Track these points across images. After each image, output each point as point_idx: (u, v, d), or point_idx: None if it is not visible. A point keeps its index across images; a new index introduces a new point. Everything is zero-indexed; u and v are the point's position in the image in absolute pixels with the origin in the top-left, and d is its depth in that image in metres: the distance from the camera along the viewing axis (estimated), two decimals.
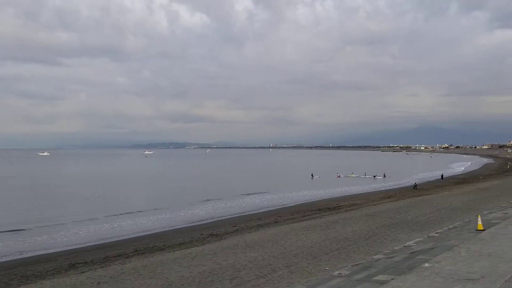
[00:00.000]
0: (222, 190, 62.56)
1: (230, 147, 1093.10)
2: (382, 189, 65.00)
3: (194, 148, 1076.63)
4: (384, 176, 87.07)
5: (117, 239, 30.24)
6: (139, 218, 39.22)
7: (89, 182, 77.80)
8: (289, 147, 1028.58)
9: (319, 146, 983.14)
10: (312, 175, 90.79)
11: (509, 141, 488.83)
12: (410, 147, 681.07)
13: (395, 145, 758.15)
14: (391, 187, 67.18)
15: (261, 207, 46.16)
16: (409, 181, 77.15)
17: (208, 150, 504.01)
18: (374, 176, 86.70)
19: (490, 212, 25.04)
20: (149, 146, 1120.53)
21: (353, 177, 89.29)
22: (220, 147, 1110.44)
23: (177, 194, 57.35)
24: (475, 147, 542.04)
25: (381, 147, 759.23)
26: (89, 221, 37.25)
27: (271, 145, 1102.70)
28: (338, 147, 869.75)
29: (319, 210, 40.00)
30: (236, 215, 40.21)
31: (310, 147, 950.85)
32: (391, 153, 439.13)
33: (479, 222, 18.64)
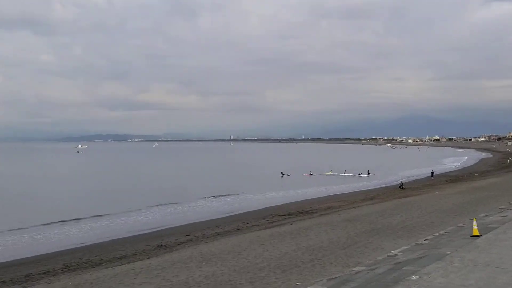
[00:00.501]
0: (172, 192, 62.21)
1: (182, 140, 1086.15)
2: (364, 189, 66.21)
3: (139, 141, 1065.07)
4: (369, 173, 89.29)
5: (43, 252, 29.62)
6: (70, 227, 38.49)
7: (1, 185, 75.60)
8: (254, 139, 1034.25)
9: (289, 139, 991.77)
10: (281, 173, 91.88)
11: (510, 132, 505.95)
12: (396, 139, 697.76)
13: (378, 137, 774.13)
14: (373, 187, 68.58)
15: (220, 212, 46.24)
16: (394, 179, 78.96)
17: (155, 144, 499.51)
18: (360, 174, 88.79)
19: (487, 215, 25.92)
20: (82, 139, 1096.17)
21: (331, 175, 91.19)
22: (170, 140, 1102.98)
23: (117, 198, 56.65)
24: (470, 140, 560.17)
25: (362, 139, 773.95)
26: (8, 232, 36.22)
27: (232, 138, 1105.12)
28: (312, 140, 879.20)
29: (290, 214, 40.39)
30: (189, 222, 40.10)
31: (279, 140, 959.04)
32: (373, 146, 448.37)
33: (475, 227, 19.23)
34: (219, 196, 57.78)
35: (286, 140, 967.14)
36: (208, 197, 56.79)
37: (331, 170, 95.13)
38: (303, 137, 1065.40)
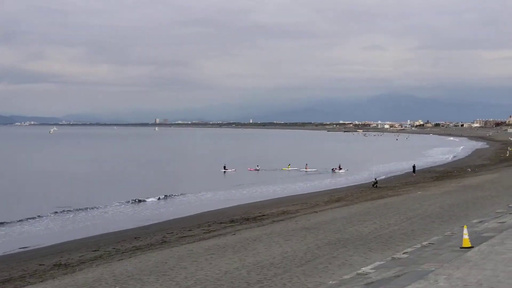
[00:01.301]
0: (75, 195, 61.37)
1: (91, 124, 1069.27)
2: (328, 188, 67.20)
3: (30, 124, 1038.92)
4: (340, 168, 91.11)
5: None
6: None
7: None
8: (187, 124, 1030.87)
9: (233, 123, 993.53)
10: (224, 168, 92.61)
11: (510, 117, 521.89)
12: (369, 124, 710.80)
13: (347, 122, 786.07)
14: (340, 186, 69.83)
15: (139, 219, 45.91)
16: (366, 176, 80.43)
17: (53, 129, 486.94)
18: (334, 170, 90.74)
19: (481, 221, 26.69)
20: None
21: (289, 170, 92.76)
22: (74, 124, 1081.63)
23: None
24: (462, 125, 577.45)
25: (327, 124, 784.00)
26: None
27: (158, 121, 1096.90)
28: (264, 125, 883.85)
29: (232, 222, 40.52)
30: (98, 234, 39.72)
31: (220, 124, 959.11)
32: (341, 133, 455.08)
33: (465, 236, 19.69)
34: (137, 199, 57.20)
35: (229, 124, 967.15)
36: (123, 201, 56.07)
37: (290, 165, 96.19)
38: (251, 121, 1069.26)
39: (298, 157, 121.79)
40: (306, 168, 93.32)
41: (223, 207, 52.05)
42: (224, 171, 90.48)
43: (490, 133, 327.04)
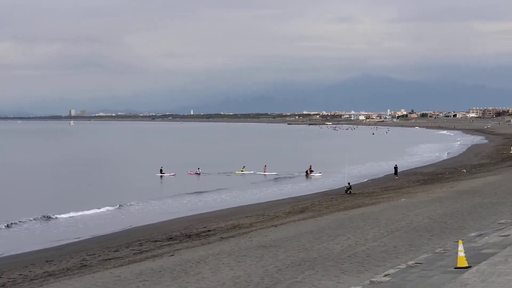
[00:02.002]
0: None
1: None
2: (290, 195, 67.50)
3: None
4: (311, 171, 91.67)
5: None
6: None
7: None
8: (112, 116, 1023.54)
9: (170, 115, 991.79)
10: (160, 171, 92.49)
11: None
12: (340, 115, 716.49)
13: (313, 113, 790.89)
14: (305, 193, 70.28)
15: (52, 239, 45.44)
16: (337, 180, 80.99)
17: None
18: (307, 173, 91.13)
19: (480, 235, 27.00)
20: None
21: (243, 174, 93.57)
22: None
23: None
24: (455, 115, 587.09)
25: (287, 115, 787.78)
26: None
27: (73, 113, 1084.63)
28: (208, 117, 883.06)
29: (170, 239, 40.48)
30: (0, 257, 39.27)
31: (153, 117, 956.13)
32: (305, 126, 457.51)
33: (461, 254, 19.82)
34: (47, 215, 56.23)
35: (164, 116, 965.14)
36: (30, 217, 55.03)
37: (244, 167, 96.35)
38: (192, 112, 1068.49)
39: (254, 157, 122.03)
40: (264, 171, 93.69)
41: (158, 221, 51.84)
42: (161, 176, 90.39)
43: (489, 125, 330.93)
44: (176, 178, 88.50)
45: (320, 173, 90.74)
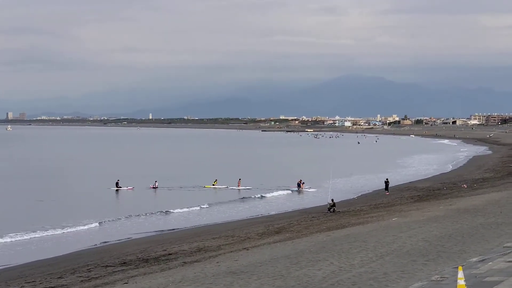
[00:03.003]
0: None
1: None
2: (264, 213, 67.72)
3: None
4: (300, 185, 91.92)
5: None
6: None
7: None
8: (56, 120, 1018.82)
9: (125, 120, 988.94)
10: (116, 185, 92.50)
11: None
12: (323, 121, 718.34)
13: (291, 118, 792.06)
14: (281, 210, 70.45)
15: None
16: (319, 195, 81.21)
17: None
18: (299, 187, 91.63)
19: (483, 260, 27.04)
20: None
21: (215, 188, 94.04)
22: None
23: None
24: (454, 122, 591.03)
25: (261, 121, 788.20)
26: None
27: (11, 116, 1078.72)
28: (170, 122, 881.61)
29: (124, 264, 40.39)
30: None
31: (105, 121, 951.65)
32: (282, 133, 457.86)
33: (461, 282, 19.87)
34: None
35: (118, 121, 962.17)
36: None
37: (216, 181, 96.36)
38: (151, 116, 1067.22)
39: (224, 169, 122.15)
40: (238, 185, 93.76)
41: (111, 242, 51.74)
42: (117, 190, 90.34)
43: (491, 134, 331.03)
44: (133, 193, 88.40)
45: (309, 187, 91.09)
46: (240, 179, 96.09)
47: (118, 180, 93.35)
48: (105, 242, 52.10)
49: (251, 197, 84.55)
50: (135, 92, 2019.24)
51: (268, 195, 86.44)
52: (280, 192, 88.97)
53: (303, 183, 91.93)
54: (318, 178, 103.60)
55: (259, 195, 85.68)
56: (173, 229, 57.92)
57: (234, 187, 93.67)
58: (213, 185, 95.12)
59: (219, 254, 39.64)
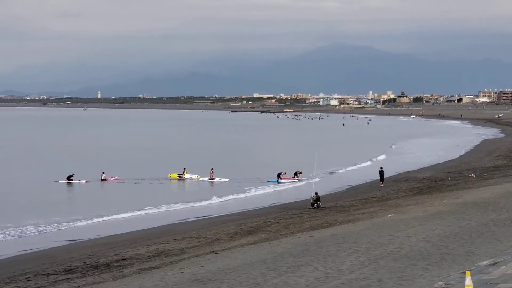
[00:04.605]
0: None
1: None
2: (236, 210, 67.87)
3: None
4: (280, 176, 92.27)
5: None
6: None
7: None
8: None
9: (68, 99, 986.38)
10: (68, 178, 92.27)
11: None
12: (305, 99, 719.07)
13: (266, 96, 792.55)
14: (256, 206, 70.67)
15: None
16: (300, 189, 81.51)
17: None
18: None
19: (494, 263, 27.25)
20: None
21: (184, 178, 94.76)
22: None
23: None
24: (460, 100, 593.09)
25: (231, 99, 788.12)
26: None
27: None
28: (122, 101, 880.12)
29: (69, 271, 40.25)
30: None
31: (44, 101, 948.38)
32: (256, 114, 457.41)
33: None
34: None
35: (60, 100, 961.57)
36: None
37: (185, 170, 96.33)
38: (99, 95, 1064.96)
39: (196, 156, 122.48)
40: (211, 176, 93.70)
41: (53, 246, 51.63)
42: (68, 182, 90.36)
43: (501, 114, 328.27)
44: (88, 186, 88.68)
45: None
46: (212, 169, 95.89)
47: (73, 174, 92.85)
48: (47, 245, 51.88)
49: (221, 190, 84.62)
50: (80, 66, 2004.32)
51: (241, 188, 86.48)
52: (256, 185, 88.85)
53: (285, 173, 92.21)
54: (299, 168, 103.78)
55: (232, 188, 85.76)
56: (127, 230, 57.84)
57: (204, 178, 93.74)
58: (181, 175, 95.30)
59: (182, 259, 39.65)
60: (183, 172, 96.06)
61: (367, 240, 37.14)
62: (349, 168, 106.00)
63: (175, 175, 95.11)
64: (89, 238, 54.53)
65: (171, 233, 53.43)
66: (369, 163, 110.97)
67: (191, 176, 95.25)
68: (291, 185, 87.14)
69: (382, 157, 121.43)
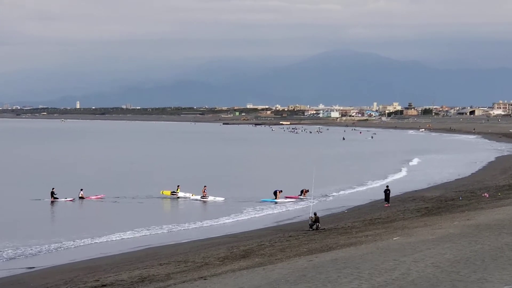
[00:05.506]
0: None
1: None
2: (227, 231, 68.08)
3: None
4: (277, 195, 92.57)
5: None
6: None
7: None
8: None
9: (44, 109, 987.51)
10: (52, 195, 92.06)
11: None
12: (304, 111, 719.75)
13: (261, 107, 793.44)
14: (249, 228, 70.71)
15: None
16: (298, 207, 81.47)
17: None
18: (276, 195, 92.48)
19: None
20: None
21: (177, 196, 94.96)
22: None
23: None
24: (472, 112, 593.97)
25: (222, 110, 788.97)
26: None
27: None
28: (103, 112, 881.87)
29: None
30: None
31: (18, 112, 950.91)
32: (250, 127, 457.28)
33: None
34: None
35: (35, 111, 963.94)
36: None
37: (179, 187, 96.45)
38: (78, 105, 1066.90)
39: (187, 172, 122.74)
40: (203, 194, 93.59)
41: (25, 271, 51.57)
42: (52, 201, 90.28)
43: None
44: (74, 204, 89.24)
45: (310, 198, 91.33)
46: (205, 186, 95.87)
47: (54, 189, 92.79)
48: (18, 271, 51.77)
49: (214, 209, 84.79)
50: (57, 74, 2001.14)
51: (235, 207, 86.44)
52: (249, 204, 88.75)
53: (281, 191, 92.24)
54: (296, 184, 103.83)
55: (224, 208, 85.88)
56: (108, 253, 57.80)
57: (196, 197, 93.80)
58: (174, 193, 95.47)
59: (168, 286, 39.68)
60: (177, 190, 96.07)
61: (370, 266, 37.16)
62: (351, 185, 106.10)
63: (168, 192, 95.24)
64: (66, 262, 54.37)
65: (156, 257, 53.39)
66: (373, 180, 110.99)
67: (185, 195, 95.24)
68: (288, 205, 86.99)
69: (386, 174, 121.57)
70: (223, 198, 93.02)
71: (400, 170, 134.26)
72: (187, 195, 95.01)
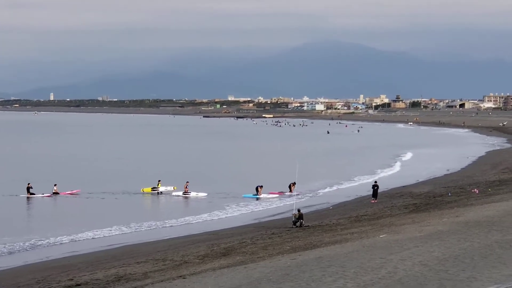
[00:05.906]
0: None
1: None
2: (208, 228, 68.14)
3: None
4: (258, 190, 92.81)
5: None
6: None
7: None
8: None
9: (16, 101, 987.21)
10: (28, 191, 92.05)
11: None
12: (287, 103, 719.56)
13: (243, 99, 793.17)
14: (230, 224, 71.03)
15: None
16: (281, 203, 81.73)
17: None
18: (258, 191, 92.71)
19: None
20: None
21: (157, 192, 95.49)
22: None
23: None
24: (462, 105, 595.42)
25: (202, 103, 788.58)
26: None
27: None
28: (78, 104, 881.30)
29: None
30: None
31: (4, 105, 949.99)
32: (232, 120, 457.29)
33: None
34: None
35: (6, 103, 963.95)
36: None
37: (160, 182, 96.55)
38: (52, 97, 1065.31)
39: (168, 167, 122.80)
40: (185, 190, 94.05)
41: None
42: (28, 197, 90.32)
43: (505, 122, 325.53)
44: (52, 200, 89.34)
45: (296, 194, 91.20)
46: (187, 182, 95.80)
47: (30, 184, 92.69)
48: None
49: (194, 205, 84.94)
50: (29, 64, 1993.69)
51: (217, 204, 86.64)
52: (232, 200, 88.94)
53: (261, 186, 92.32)
54: (279, 180, 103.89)
55: (206, 204, 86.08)
56: (83, 251, 57.75)
57: (177, 193, 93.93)
58: (155, 188, 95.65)
59: (145, 285, 39.63)
60: (157, 185, 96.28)
61: (356, 264, 37.18)
62: (337, 180, 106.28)
63: (148, 189, 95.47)
64: (39, 260, 54.31)
65: (133, 255, 53.34)
66: (360, 175, 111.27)
67: (166, 188, 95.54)
68: (271, 201, 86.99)
69: (372, 169, 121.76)
70: (205, 194, 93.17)
71: (388, 166, 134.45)
72: (168, 188, 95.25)
